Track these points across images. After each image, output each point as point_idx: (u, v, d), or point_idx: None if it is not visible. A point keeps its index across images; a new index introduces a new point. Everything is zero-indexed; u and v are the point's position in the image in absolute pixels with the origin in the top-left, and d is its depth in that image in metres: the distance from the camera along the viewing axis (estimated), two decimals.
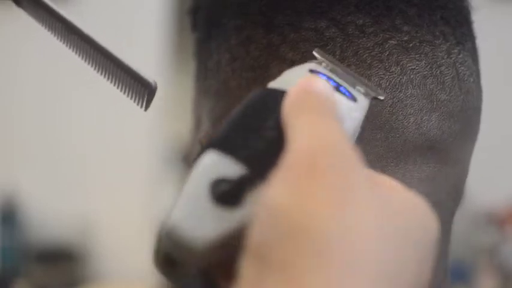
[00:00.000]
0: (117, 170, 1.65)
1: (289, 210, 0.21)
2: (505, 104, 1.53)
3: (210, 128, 0.37)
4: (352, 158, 0.23)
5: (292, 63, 0.32)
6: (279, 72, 0.33)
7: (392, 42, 0.32)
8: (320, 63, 0.31)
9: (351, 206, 0.22)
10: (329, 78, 0.30)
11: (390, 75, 0.32)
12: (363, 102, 0.29)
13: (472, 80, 0.35)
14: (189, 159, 0.43)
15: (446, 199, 0.35)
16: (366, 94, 0.30)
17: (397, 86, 0.32)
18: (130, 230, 1.62)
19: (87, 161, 1.66)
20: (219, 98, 0.36)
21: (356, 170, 0.23)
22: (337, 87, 0.29)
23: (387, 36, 0.32)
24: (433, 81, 0.33)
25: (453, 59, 0.34)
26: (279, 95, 0.27)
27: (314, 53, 0.31)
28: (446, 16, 0.34)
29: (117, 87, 0.33)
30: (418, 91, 0.32)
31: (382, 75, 0.32)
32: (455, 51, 0.34)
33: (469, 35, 0.36)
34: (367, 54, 0.32)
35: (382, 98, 0.30)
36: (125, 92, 0.33)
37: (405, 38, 0.32)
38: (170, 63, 1.74)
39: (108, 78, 0.33)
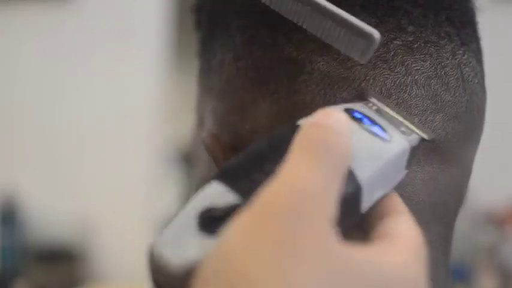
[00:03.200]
0: (117, 170, 1.64)
1: (230, 257, 0.21)
2: (506, 104, 1.53)
3: (212, 128, 0.37)
4: (318, 214, 0.21)
5: (296, 63, 0.32)
6: (283, 71, 0.33)
7: (397, 42, 0.32)
8: (366, 104, 0.30)
9: (289, 269, 0.20)
10: (364, 116, 0.29)
11: (395, 75, 0.32)
12: (401, 144, 0.28)
13: (476, 81, 0.35)
14: (190, 159, 0.43)
15: (449, 200, 0.35)
16: (409, 135, 0.29)
17: (401, 87, 0.32)
18: (130, 230, 1.62)
19: (87, 161, 1.66)
20: (222, 97, 0.36)
21: (312, 234, 0.21)
22: (370, 126, 0.28)
23: (392, 36, 0.32)
24: (437, 82, 0.33)
25: (458, 59, 0.34)
26: (298, 129, 0.25)
27: (366, 96, 0.30)
28: (451, 17, 0.34)
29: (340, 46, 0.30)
30: (423, 92, 0.32)
31: (386, 75, 0.32)
32: (460, 52, 0.34)
33: (473, 36, 0.36)
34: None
35: (428, 138, 0.30)
36: (345, 47, 0.30)
37: (410, 39, 0.32)
38: (170, 63, 1.74)
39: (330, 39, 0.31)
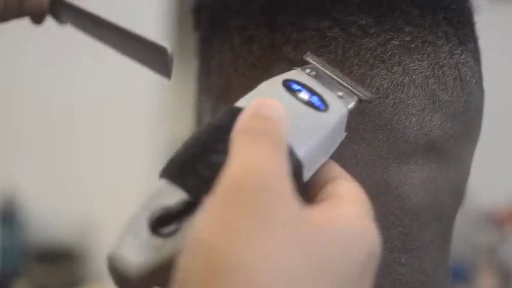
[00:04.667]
0: (117, 170, 1.64)
1: (207, 243, 0.22)
2: (505, 104, 1.53)
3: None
4: (280, 192, 0.23)
5: (295, 63, 0.33)
6: (281, 71, 0.33)
7: (395, 42, 0.32)
8: (304, 69, 0.31)
9: (266, 241, 0.21)
10: (303, 87, 0.30)
11: (392, 75, 0.32)
12: (339, 111, 0.29)
13: (474, 80, 0.35)
14: None
15: (447, 199, 0.35)
16: (347, 98, 0.30)
17: (399, 87, 0.32)
18: None
19: (87, 161, 1.66)
20: (221, 97, 0.36)
21: (280, 205, 0.23)
22: (308, 98, 0.29)
23: (389, 36, 0.32)
24: (435, 81, 0.33)
25: (455, 59, 0.34)
26: (237, 114, 0.26)
27: (304, 57, 0.31)
28: (449, 17, 0.34)
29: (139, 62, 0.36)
30: (420, 91, 0.33)
31: (384, 76, 0.32)
32: (458, 51, 0.34)
33: (471, 36, 0.36)
34: (369, 55, 0.32)
35: (366, 98, 0.30)
36: (147, 66, 0.36)
37: (407, 39, 0.33)
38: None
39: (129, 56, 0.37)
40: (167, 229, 0.24)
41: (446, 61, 0.33)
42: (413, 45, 0.33)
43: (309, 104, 0.29)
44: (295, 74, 0.30)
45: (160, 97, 1.67)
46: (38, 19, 0.39)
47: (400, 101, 0.32)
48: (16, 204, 1.62)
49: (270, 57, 0.33)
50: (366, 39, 0.32)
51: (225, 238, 0.21)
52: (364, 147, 0.32)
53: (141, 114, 1.63)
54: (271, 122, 0.25)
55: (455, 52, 0.34)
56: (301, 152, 0.27)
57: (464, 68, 0.34)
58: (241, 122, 0.25)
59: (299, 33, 0.33)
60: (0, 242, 1.59)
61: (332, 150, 0.30)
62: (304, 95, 0.29)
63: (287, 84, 0.30)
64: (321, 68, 0.31)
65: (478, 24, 0.37)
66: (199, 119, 0.40)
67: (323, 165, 0.29)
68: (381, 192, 0.33)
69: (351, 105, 0.30)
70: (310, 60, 0.31)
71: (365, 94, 0.30)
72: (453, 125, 0.34)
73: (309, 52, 0.31)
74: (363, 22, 0.32)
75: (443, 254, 0.36)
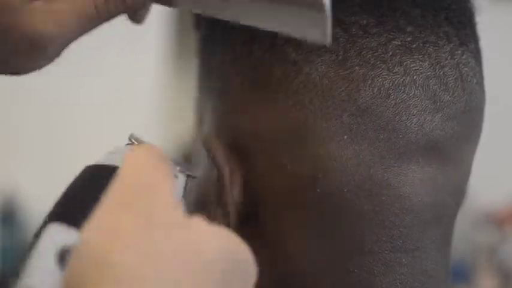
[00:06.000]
0: None
1: (92, 244, 0.23)
2: (505, 104, 1.53)
3: (212, 128, 0.37)
4: (161, 192, 0.25)
5: (295, 63, 0.33)
6: (282, 72, 0.33)
7: (396, 42, 0.32)
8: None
9: (149, 239, 0.23)
10: None
11: (393, 75, 0.32)
12: (181, 180, 0.32)
13: (475, 81, 0.35)
14: (190, 159, 0.43)
15: (448, 199, 0.35)
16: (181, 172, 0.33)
17: (400, 87, 0.32)
18: None
19: (87, 161, 1.66)
20: (221, 97, 0.36)
21: (163, 209, 0.25)
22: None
23: (391, 36, 0.32)
24: (436, 82, 0.33)
25: (456, 60, 0.34)
26: (111, 168, 0.29)
27: (129, 138, 0.34)
28: (450, 17, 0.34)
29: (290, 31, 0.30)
30: (421, 92, 0.33)
31: (385, 76, 0.32)
32: (459, 52, 0.34)
33: (472, 36, 0.36)
34: (370, 55, 0.32)
35: (194, 176, 0.33)
36: (296, 33, 0.30)
37: (408, 39, 0.33)
38: (170, 63, 1.74)
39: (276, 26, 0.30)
40: None
41: (447, 61, 0.33)
42: (414, 46, 0.33)
43: None
44: None
45: (160, 97, 1.67)
46: (140, 11, 0.34)
47: (401, 101, 0.32)
48: (16, 204, 1.62)
49: (270, 57, 0.33)
50: (367, 40, 0.32)
51: (111, 239, 0.23)
52: (365, 147, 0.32)
53: (141, 114, 1.63)
54: (154, 146, 0.29)
55: (456, 52, 0.34)
56: None
57: (466, 68, 0.34)
58: (129, 153, 0.28)
59: None
60: (0, 242, 1.59)
61: None
62: None
63: None
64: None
65: (479, 24, 0.37)
66: (200, 119, 0.40)
67: None
68: (381, 192, 0.33)
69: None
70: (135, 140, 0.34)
71: (190, 171, 0.33)
72: (454, 125, 0.34)
73: (132, 133, 0.35)
74: (364, 22, 0.32)
75: (444, 254, 0.36)
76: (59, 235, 0.26)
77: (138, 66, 1.62)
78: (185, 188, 0.33)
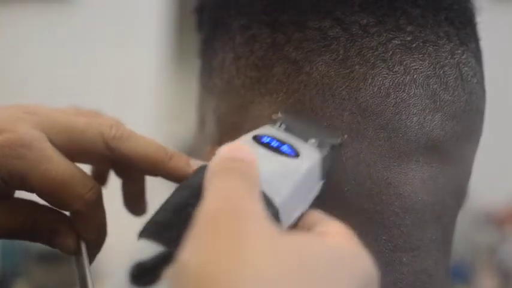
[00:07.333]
0: None
1: (193, 268, 0.22)
2: (505, 104, 1.53)
3: (214, 129, 0.37)
4: (252, 218, 0.24)
5: (296, 63, 0.33)
6: (283, 71, 0.33)
7: (396, 42, 0.32)
8: (274, 124, 0.32)
9: (246, 256, 0.22)
10: (273, 139, 0.31)
11: (393, 74, 0.32)
12: (311, 157, 0.30)
13: (475, 80, 0.35)
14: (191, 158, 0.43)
15: (448, 199, 0.35)
16: (320, 145, 0.31)
17: (400, 86, 0.32)
18: (130, 229, 1.62)
19: None
20: (223, 96, 0.36)
21: (254, 229, 0.23)
22: (278, 147, 0.30)
23: (391, 36, 0.32)
24: (436, 81, 0.33)
25: (456, 59, 0.34)
26: (206, 169, 0.27)
27: (273, 115, 0.32)
28: (450, 17, 0.34)
29: None
30: (421, 91, 0.33)
31: (385, 75, 0.32)
32: (459, 51, 0.34)
33: (473, 36, 0.36)
34: (370, 54, 0.32)
35: (337, 143, 0.31)
36: None
37: (409, 38, 0.33)
38: (170, 63, 1.74)
39: None
40: (148, 280, 0.25)
41: (447, 61, 0.33)
42: (414, 45, 0.33)
43: (279, 151, 0.30)
44: (265, 129, 0.32)
45: (161, 97, 1.67)
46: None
47: (401, 101, 0.32)
48: None
49: (271, 57, 0.33)
50: (367, 39, 0.32)
51: (208, 262, 0.22)
52: (365, 147, 0.32)
53: (142, 114, 1.63)
54: (240, 160, 0.27)
55: (456, 52, 0.34)
56: (276, 198, 0.27)
57: (466, 68, 0.34)
58: (214, 164, 0.26)
59: (301, 33, 0.33)
60: (0, 242, 1.59)
61: (311, 198, 0.30)
62: (274, 144, 0.30)
63: (257, 138, 0.31)
64: (291, 120, 0.32)
65: (480, 24, 0.37)
66: (201, 119, 0.40)
67: (306, 214, 0.29)
68: (382, 192, 0.33)
69: (325, 151, 0.31)
70: (282, 117, 0.32)
71: (336, 140, 0.31)
72: (454, 124, 0.34)
73: (281, 111, 0.32)
74: (365, 22, 0.32)
75: (444, 254, 0.36)
76: (138, 252, 0.26)
77: (139, 67, 1.62)
78: (322, 169, 0.30)
